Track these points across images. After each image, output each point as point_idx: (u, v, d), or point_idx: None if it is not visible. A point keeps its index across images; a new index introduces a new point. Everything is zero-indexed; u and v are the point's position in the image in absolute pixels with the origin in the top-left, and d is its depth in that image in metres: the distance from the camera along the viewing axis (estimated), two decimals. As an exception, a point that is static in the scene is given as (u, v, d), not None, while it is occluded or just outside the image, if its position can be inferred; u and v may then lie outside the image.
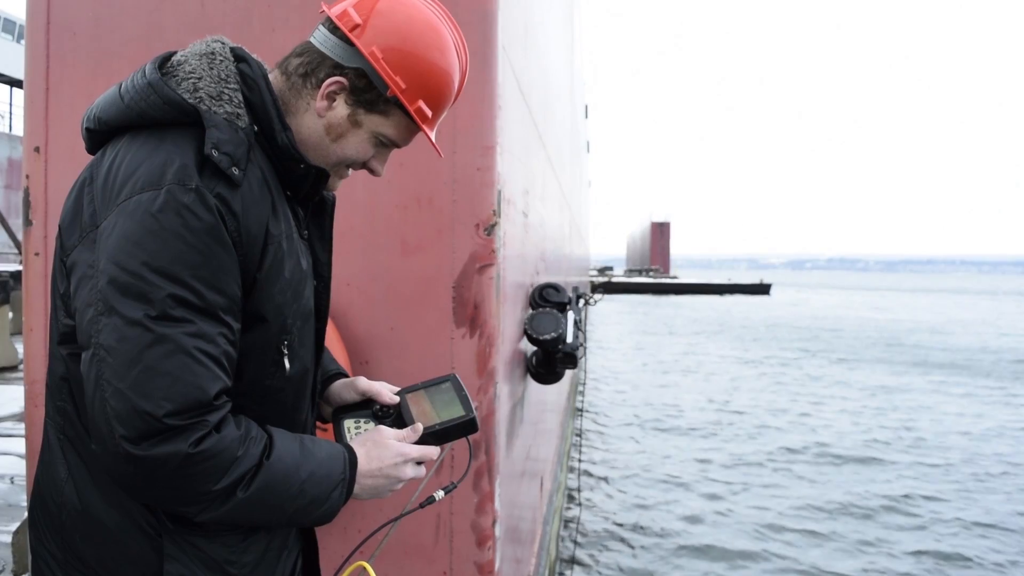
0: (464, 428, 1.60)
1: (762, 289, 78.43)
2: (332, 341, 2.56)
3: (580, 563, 7.26)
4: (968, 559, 7.67)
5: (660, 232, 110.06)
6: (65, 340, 1.35)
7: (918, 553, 7.76)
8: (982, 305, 63.95)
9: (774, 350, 26.42)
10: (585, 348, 4.68)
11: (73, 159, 2.87)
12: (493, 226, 2.69)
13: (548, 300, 3.88)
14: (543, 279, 5.24)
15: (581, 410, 14.88)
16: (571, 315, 3.91)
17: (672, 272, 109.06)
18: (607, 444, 12.23)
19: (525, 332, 3.68)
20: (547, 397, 5.86)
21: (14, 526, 4.31)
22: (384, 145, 1.52)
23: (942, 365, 22.47)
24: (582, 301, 4.46)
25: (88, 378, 1.23)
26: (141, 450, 1.18)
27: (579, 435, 12.73)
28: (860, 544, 8.02)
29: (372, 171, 1.56)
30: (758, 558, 7.56)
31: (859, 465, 11.23)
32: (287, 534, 1.53)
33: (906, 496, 9.69)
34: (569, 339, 3.77)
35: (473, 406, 1.62)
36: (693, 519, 8.63)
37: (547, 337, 3.61)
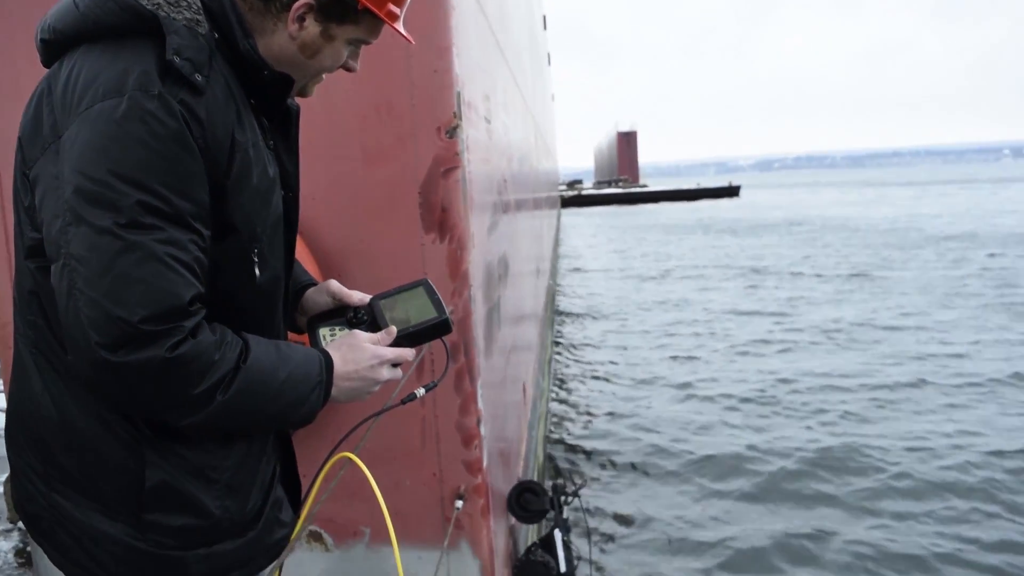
0: (437, 329, 1.62)
1: (731, 191, 78.72)
2: (303, 256, 2.55)
3: (569, 468, 7.44)
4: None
5: (627, 142, 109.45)
6: (32, 254, 1.34)
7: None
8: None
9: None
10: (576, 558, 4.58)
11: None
12: (455, 128, 2.66)
13: (527, 509, 3.68)
14: (512, 197, 5.22)
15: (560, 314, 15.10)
16: (559, 536, 3.83)
17: (641, 181, 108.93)
18: (587, 353, 12.40)
19: None
20: (524, 305, 5.91)
21: (2, 477, 4.34)
22: (357, 44, 1.52)
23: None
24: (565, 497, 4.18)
25: (60, 289, 1.22)
26: (118, 357, 1.18)
27: (558, 344, 12.91)
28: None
29: (349, 70, 1.56)
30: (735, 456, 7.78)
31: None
32: (265, 441, 1.55)
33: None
34: (563, 568, 3.76)
35: (446, 308, 1.64)
36: (683, 425, 8.84)
37: None
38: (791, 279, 19.03)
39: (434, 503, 2.83)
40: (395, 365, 1.56)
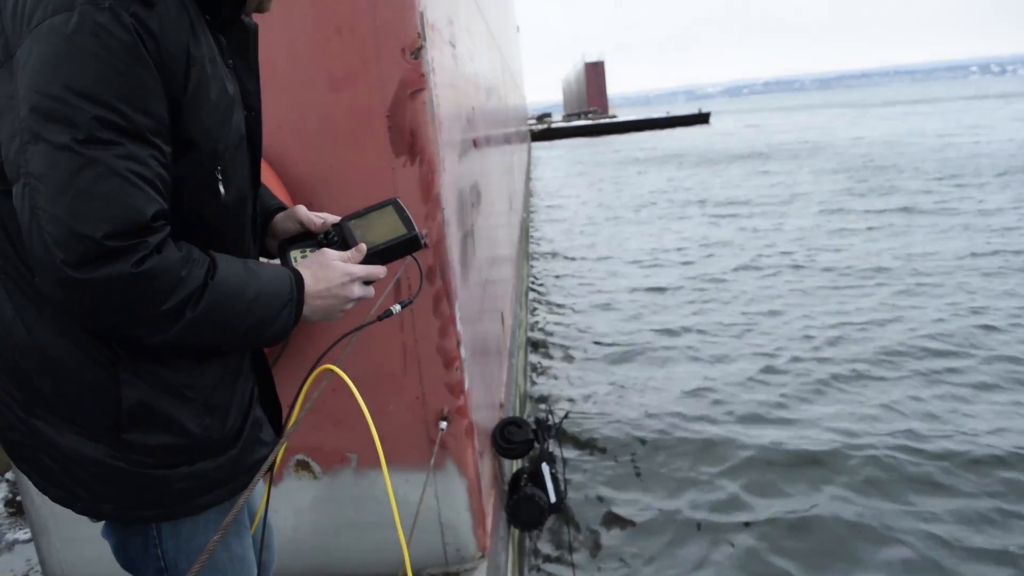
0: (408, 245, 1.63)
1: (702, 119, 78.41)
2: (272, 185, 2.53)
3: (550, 399, 7.55)
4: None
5: (594, 72, 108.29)
6: None
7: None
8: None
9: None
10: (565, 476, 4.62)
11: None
12: (419, 49, 2.62)
13: (511, 440, 3.75)
14: (481, 126, 5.17)
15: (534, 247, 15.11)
16: (546, 469, 3.90)
17: (611, 112, 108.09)
18: (562, 289, 12.46)
19: (509, 522, 3.71)
20: (499, 235, 5.92)
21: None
22: None
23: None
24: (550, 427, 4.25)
25: (22, 209, 1.21)
26: (83, 274, 1.18)
27: (534, 280, 12.96)
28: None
29: None
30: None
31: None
32: (241, 360, 1.56)
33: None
34: (553, 499, 3.83)
35: (415, 225, 1.64)
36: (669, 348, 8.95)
37: (537, 525, 3.82)
38: (770, 210, 18.72)
39: (418, 426, 2.88)
40: (368, 283, 1.57)
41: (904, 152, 29.73)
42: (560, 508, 3.96)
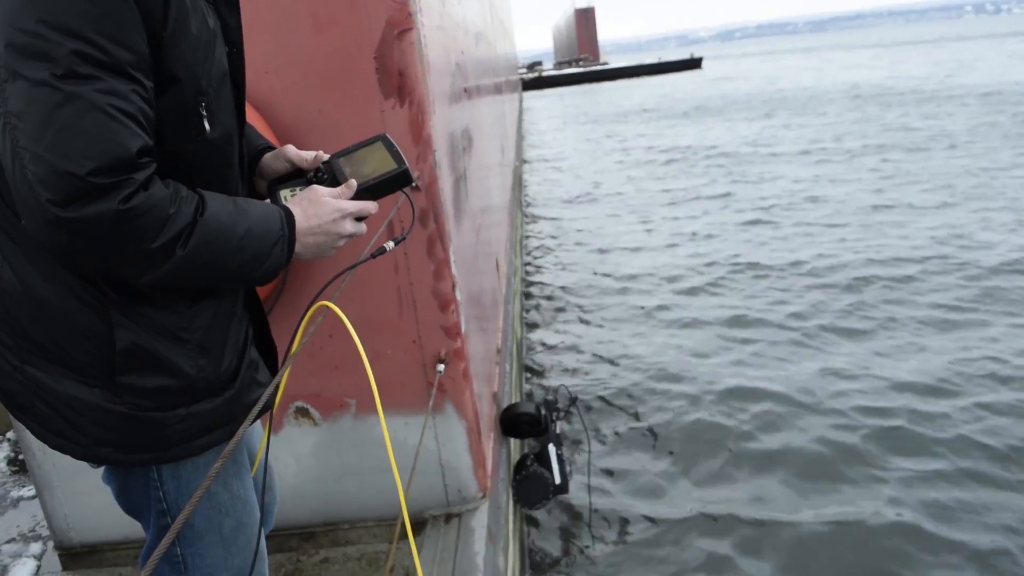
0: (398, 180, 1.61)
1: (694, 64, 77.54)
2: (261, 131, 2.50)
3: (544, 344, 7.56)
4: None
5: (585, 18, 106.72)
6: None
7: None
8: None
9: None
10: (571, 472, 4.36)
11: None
12: (405, -13, 2.57)
13: (522, 431, 3.83)
14: (471, 78, 5.10)
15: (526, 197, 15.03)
16: (552, 450, 3.91)
17: (602, 59, 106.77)
18: (558, 244, 12.43)
19: (515, 501, 3.75)
20: (491, 182, 5.88)
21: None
22: None
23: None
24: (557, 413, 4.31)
25: (3, 150, 1.19)
26: (70, 212, 1.16)
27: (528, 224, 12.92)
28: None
29: None
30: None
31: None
32: (235, 301, 1.55)
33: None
34: (558, 480, 3.86)
35: (405, 159, 1.63)
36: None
37: (540, 503, 3.90)
38: (777, 161, 17.96)
39: (416, 369, 2.89)
40: (360, 220, 1.56)
41: (904, 97, 29.33)
42: (564, 490, 4.01)
